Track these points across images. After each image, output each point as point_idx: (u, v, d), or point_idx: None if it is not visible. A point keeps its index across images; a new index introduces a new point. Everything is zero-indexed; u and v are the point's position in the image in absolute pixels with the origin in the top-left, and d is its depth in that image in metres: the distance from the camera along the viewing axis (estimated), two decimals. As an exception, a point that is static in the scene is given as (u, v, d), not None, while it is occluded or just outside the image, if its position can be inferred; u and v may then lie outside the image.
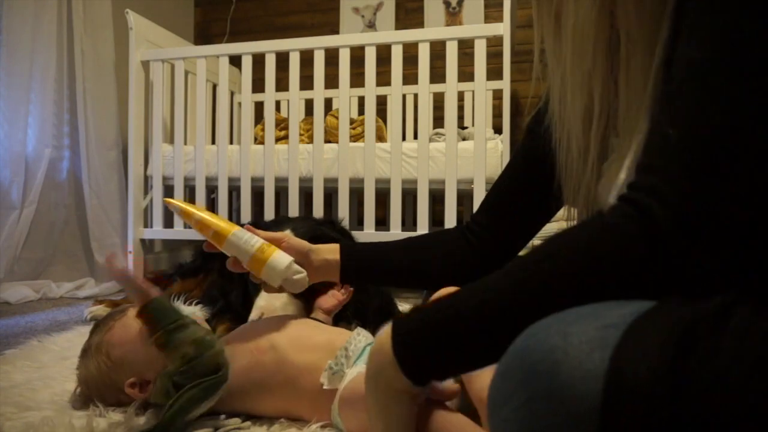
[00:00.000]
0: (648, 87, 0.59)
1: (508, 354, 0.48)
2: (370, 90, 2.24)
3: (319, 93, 2.28)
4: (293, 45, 2.33)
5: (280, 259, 0.91)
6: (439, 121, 2.38)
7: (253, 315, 1.18)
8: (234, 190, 2.54)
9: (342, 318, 1.23)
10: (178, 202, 0.98)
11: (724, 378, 0.40)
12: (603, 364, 0.42)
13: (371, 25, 3.28)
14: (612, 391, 0.41)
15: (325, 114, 2.37)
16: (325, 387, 0.84)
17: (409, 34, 2.28)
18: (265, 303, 1.19)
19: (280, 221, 1.50)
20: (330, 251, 0.97)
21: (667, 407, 0.40)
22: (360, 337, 0.92)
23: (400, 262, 0.95)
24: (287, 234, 0.98)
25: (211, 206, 2.59)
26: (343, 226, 1.58)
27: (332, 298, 1.18)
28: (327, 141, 2.36)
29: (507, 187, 0.94)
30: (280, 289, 0.95)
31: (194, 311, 1.59)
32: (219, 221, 0.95)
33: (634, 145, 0.62)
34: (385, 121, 2.60)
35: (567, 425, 0.42)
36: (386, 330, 0.59)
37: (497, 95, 2.49)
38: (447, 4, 3.16)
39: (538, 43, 0.73)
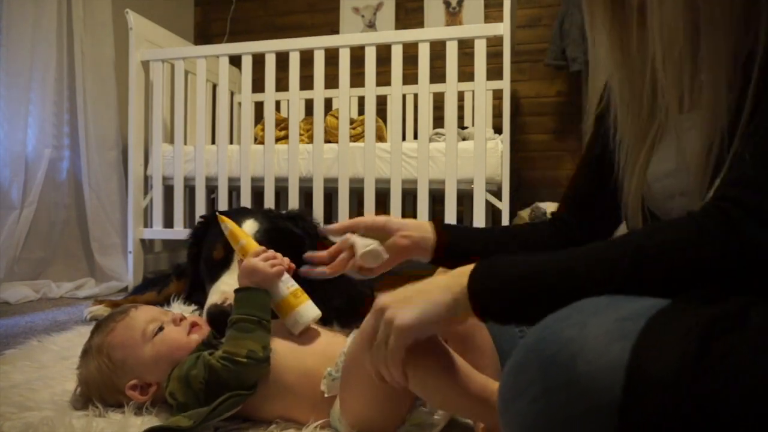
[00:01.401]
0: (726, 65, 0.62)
1: (521, 347, 0.48)
2: (370, 90, 2.24)
3: (319, 93, 2.28)
4: (293, 45, 2.32)
5: (310, 310, 0.93)
6: (439, 121, 2.38)
7: (217, 299, 1.14)
8: (234, 190, 2.54)
9: None
10: (230, 223, 1.02)
11: (746, 373, 0.41)
12: (622, 355, 0.43)
13: (371, 25, 3.28)
14: (634, 384, 0.41)
15: (325, 114, 2.37)
16: (326, 395, 0.84)
17: (409, 34, 2.28)
18: (229, 288, 1.12)
19: (242, 212, 1.46)
20: (421, 228, 0.93)
21: (690, 401, 0.40)
22: None
23: (505, 247, 0.93)
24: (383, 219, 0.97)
25: (211, 206, 2.59)
26: (314, 221, 1.52)
27: None
28: (327, 141, 2.36)
29: (586, 185, 0.94)
30: (300, 335, 0.94)
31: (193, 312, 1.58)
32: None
33: (704, 121, 0.64)
34: (385, 121, 2.60)
35: (585, 417, 0.42)
36: (464, 269, 0.62)
37: (497, 95, 2.49)
38: (447, 4, 3.15)
39: (592, 50, 0.75)
